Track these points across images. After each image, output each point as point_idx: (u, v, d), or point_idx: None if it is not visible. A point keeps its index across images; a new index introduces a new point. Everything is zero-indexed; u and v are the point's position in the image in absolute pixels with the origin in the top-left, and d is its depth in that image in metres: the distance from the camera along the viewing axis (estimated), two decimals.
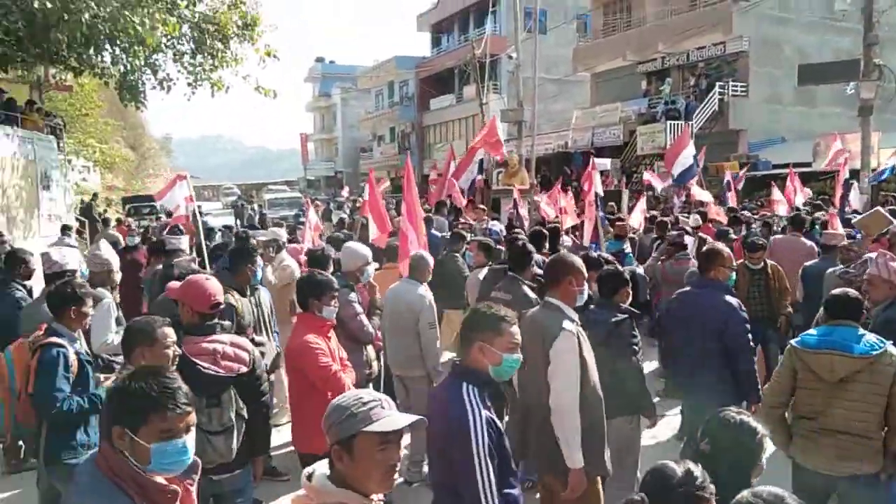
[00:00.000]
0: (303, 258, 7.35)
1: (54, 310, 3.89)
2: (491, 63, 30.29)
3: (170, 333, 3.13)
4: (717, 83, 25.62)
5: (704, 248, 5.23)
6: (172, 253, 6.79)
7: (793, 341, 3.85)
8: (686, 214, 12.83)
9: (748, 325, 4.68)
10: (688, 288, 5.14)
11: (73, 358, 3.66)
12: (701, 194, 14.20)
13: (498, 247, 7.65)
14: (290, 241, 9.30)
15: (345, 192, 33.07)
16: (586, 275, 3.89)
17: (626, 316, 4.40)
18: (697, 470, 2.11)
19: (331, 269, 5.63)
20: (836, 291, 3.94)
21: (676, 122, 24.80)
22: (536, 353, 3.55)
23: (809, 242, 8.21)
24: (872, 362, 3.49)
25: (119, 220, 19.08)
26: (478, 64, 25.27)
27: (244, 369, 3.48)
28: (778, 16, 25.35)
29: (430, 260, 5.84)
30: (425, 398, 5.40)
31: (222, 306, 3.73)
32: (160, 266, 6.70)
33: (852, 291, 3.91)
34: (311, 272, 4.57)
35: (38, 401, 3.61)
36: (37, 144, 15.33)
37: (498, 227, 10.93)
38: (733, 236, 7.92)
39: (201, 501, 3.31)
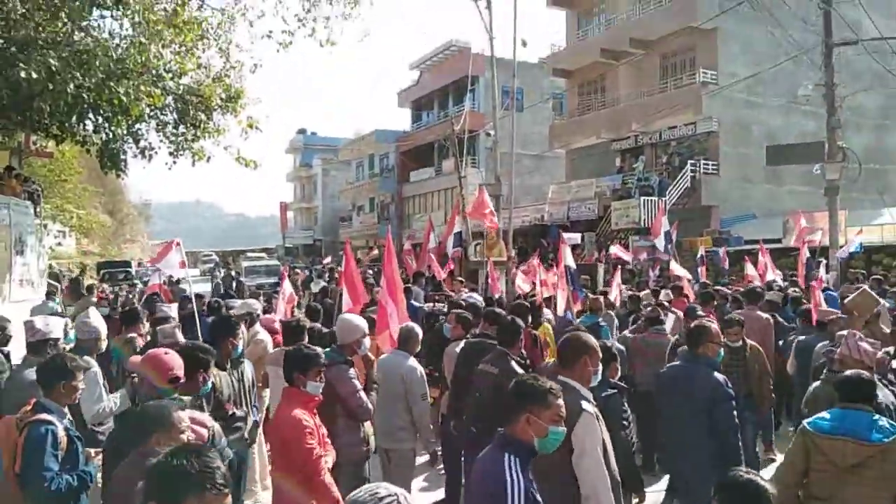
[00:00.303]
0: (277, 328, 7.30)
1: (44, 384, 3.82)
2: (469, 138, 30.97)
3: (184, 417, 3.11)
4: (689, 161, 26.39)
5: (693, 325, 5.23)
6: (162, 321, 6.67)
7: (806, 423, 3.86)
8: (659, 289, 12.98)
9: (734, 403, 4.68)
10: (676, 362, 5.17)
11: (62, 434, 3.58)
12: (678, 270, 14.42)
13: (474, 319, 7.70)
14: (265, 312, 9.25)
15: (326, 260, 33.08)
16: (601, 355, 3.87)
17: (615, 391, 4.41)
18: None
19: (305, 339, 5.58)
20: (849, 373, 3.95)
21: (650, 198, 25.38)
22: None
23: (766, 315, 8.41)
24: (884, 449, 3.52)
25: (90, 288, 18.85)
26: (456, 139, 25.80)
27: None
28: (746, 99, 26.39)
29: (420, 332, 5.88)
30: (408, 472, 5.53)
31: (181, 380, 3.68)
32: (130, 335, 6.56)
33: (865, 374, 3.93)
34: (299, 346, 4.47)
35: (26, 481, 3.49)
36: (13, 210, 15.19)
37: (475, 298, 10.95)
38: (701, 313, 7.96)
39: None
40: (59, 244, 28.35)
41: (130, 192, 57.01)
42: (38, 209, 17.85)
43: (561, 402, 2.89)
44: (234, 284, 25.36)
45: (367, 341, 5.29)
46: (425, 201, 44.94)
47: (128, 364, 4.00)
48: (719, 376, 4.73)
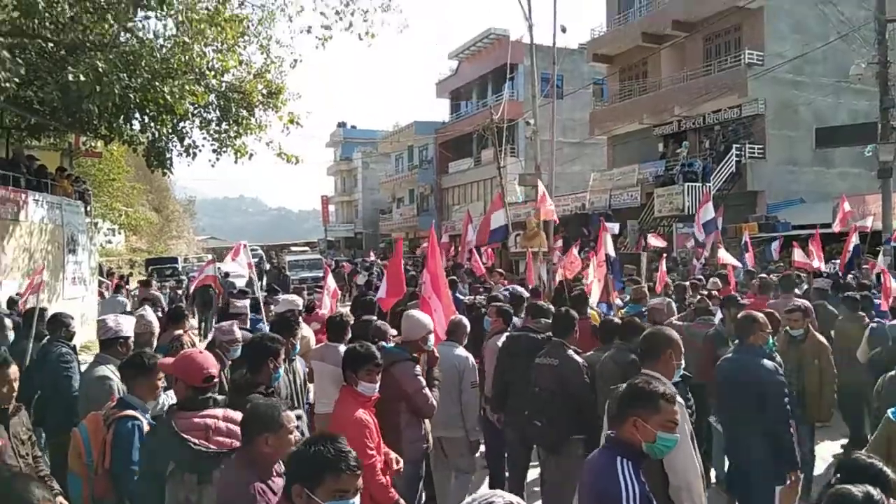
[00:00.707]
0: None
1: (128, 380, 3.91)
2: (508, 127, 30.84)
3: (293, 417, 3.10)
4: (735, 145, 25.79)
5: (739, 315, 5.19)
6: (236, 317, 6.79)
7: (890, 413, 3.84)
8: (699, 279, 12.75)
9: (786, 391, 4.64)
10: (729, 354, 5.11)
11: (146, 429, 3.65)
12: (727, 258, 14.09)
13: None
14: (309, 305, 9.34)
15: (371, 257, 33.36)
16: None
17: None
18: (876, 493, 2.17)
19: (348, 335, 5.60)
20: None
21: (694, 185, 24.91)
22: None
23: (800, 303, 8.17)
24: None
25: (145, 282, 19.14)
26: (495, 128, 25.68)
27: (237, 444, 3.27)
28: (793, 79, 25.64)
29: (468, 323, 6.00)
30: (465, 458, 5.72)
31: (216, 380, 3.63)
32: (177, 332, 6.64)
33: None
34: (355, 345, 4.35)
35: (115, 475, 3.57)
36: (65, 209, 15.70)
37: (519, 290, 10.90)
38: (744, 301, 7.71)
39: None
40: (109, 242, 29.11)
41: (176, 189, 58.16)
42: (88, 208, 18.40)
43: (675, 408, 2.79)
44: (279, 278, 25.80)
45: (431, 337, 5.26)
46: (465, 192, 44.91)
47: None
48: (769, 364, 4.69)
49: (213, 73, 12.08)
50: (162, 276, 26.35)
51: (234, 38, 11.86)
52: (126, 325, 5.06)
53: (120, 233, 30.09)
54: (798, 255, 13.14)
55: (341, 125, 69.16)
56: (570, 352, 5.23)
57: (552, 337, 5.45)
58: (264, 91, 13.11)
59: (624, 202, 28.50)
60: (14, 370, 3.76)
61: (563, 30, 21.14)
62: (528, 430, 5.36)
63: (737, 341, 5.06)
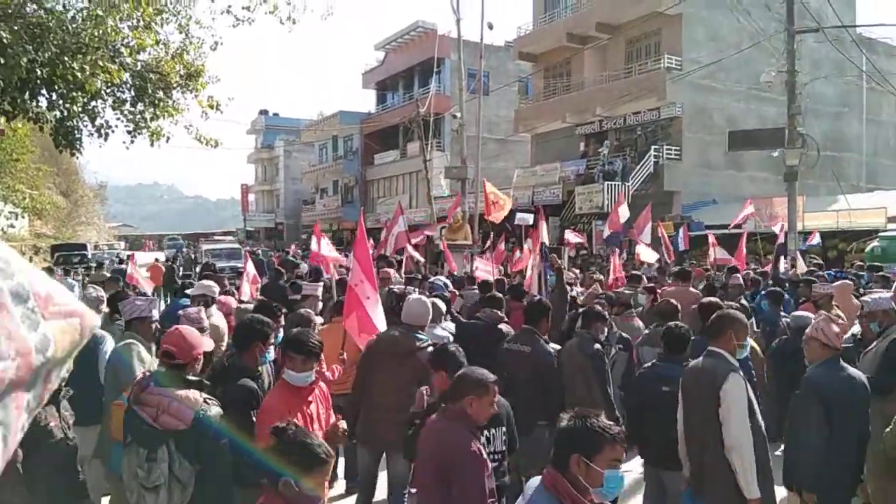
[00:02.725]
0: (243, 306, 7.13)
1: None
2: (435, 121, 30.83)
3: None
4: (653, 146, 26.65)
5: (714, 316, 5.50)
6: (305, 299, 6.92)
7: None
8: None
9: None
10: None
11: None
12: (646, 255, 14.55)
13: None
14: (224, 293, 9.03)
15: (292, 248, 32.61)
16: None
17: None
18: None
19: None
20: None
21: (613, 183, 25.59)
22: (706, 397, 3.91)
23: (695, 291, 9.13)
24: None
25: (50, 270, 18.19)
26: (422, 122, 25.64)
27: (182, 427, 3.25)
28: (708, 84, 26.70)
29: (444, 305, 6.52)
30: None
31: (198, 361, 3.63)
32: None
33: None
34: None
35: None
36: None
37: (442, 280, 10.92)
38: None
39: None
40: (12, 226, 27.44)
41: (86, 174, 55.48)
42: None
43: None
44: (195, 267, 24.94)
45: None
46: (390, 184, 44.70)
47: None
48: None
49: (128, 50, 11.51)
50: (69, 264, 25.06)
51: (151, 15, 11.33)
52: (153, 308, 5.15)
53: (23, 217, 28.36)
54: (720, 252, 13.64)
55: (263, 112, 67.57)
56: (542, 340, 5.40)
57: (524, 324, 5.61)
58: (182, 72, 12.58)
59: (546, 199, 28.97)
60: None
61: (490, 26, 21.29)
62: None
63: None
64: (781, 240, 14.86)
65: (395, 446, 4.80)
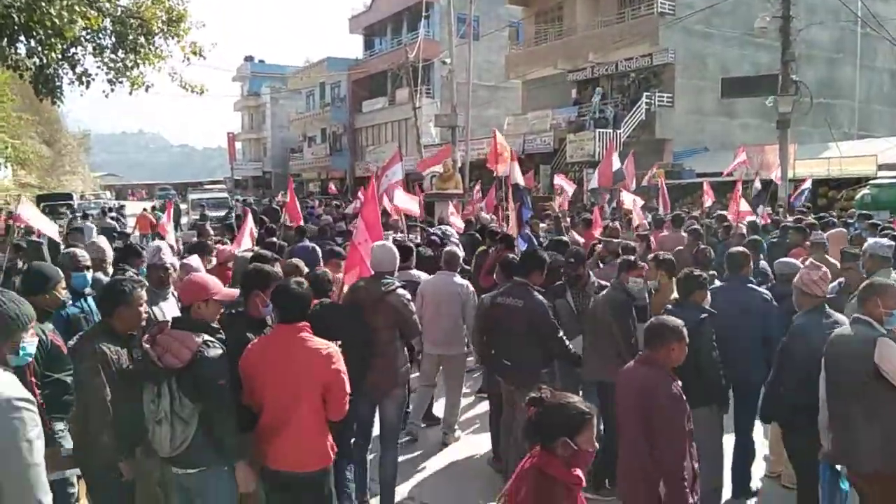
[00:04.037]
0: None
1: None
2: (424, 67, 30.28)
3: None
4: (645, 93, 26.35)
5: (731, 251, 5.82)
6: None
7: None
8: (615, 221, 13.10)
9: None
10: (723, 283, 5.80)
11: None
12: (629, 202, 14.48)
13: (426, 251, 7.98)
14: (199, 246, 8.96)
15: (279, 196, 32.35)
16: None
17: (706, 315, 4.65)
18: None
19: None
20: None
21: (605, 131, 25.37)
22: (856, 366, 3.82)
23: (684, 234, 9.67)
24: None
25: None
26: (411, 68, 25.16)
27: (178, 365, 3.40)
28: (702, 30, 26.29)
29: (459, 253, 6.78)
30: (461, 373, 6.74)
31: (206, 305, 3.69)
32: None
33: None
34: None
35: None
36: None
37: (450, 230, 10.91)
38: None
39: (170, 490, 3.67)
40: None
41: (69, 122, 54.47)
42: None
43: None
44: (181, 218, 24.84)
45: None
46: (379, 132, 44.17)
47: None
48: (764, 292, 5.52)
49: None
50: (56, 214, 24.77)
51: None
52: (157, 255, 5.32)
53: (6, 167, 27.90)
54: (743, 205, 13.08)
55: (249, 59, 66.13)
56: (535, 293, 5.29)
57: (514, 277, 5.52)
58: (164, 17, 12.22)
59: (537, 147, 28.75)
60: (143, 294, 3.88)
61: None
62: (496, 368, 5.57)
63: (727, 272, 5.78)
64: (759, 186, 14.75)
65: (385, 393, 4.91)
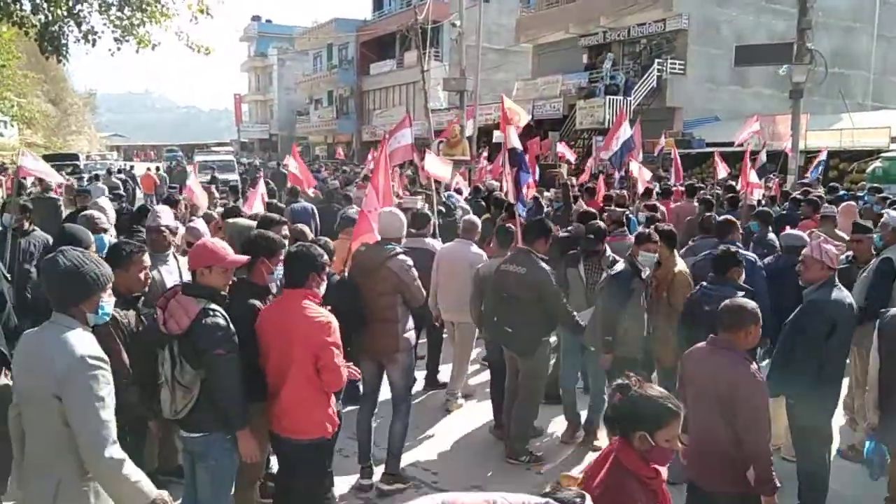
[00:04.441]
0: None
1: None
2: (433, 29, 29.82)
3: None
4: (657, 60, 25.96)
5: (720, 219, 6.38)
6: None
7: None
8: (624, 191, 13.00)
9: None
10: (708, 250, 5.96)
11: None
12: (637, 171, 14.34)
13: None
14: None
15: (286, 159, 32.07)
16: None
17: (743, 292, 4.55)
18: None
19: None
20: None
21: (616, 98, 25.06)
22: None
23: (694, 204, 9.91)
24: None
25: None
26: (420, 30, 24.80)
27: (177, 331, 3.43)
28: None
29: (478, 222, 6.82)
30: (471, 339, 6.67)
31: (210, 272, 3.62)
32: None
33: None
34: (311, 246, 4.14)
35: None
36: None
37: (456, 197, 10.87)
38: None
39: (183, 453, 3.78)
40: (1, 135, 26.94)
41: (75, 82, 54.19)
42: None
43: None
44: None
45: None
46: (386, 96, 43.78)
47: None
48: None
49: None
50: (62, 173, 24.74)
51: None
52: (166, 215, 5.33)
53: (12, 125, 27.80)
54: (753, 176, 12.78)
55: (256, 19, 65.41)
56: (538, 260, 5.30)
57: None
58: None
59: (546, 113, 28.45)
60: (144, 258, 3.91)
61: None
62: (498, 335, 5.59)
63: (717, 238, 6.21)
64: (763, 159, 14.62)
65: (390, 357, 4.90)
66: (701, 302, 4.76)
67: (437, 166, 10.66)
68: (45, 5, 11.67)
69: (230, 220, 6.84)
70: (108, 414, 2.55)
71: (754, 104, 25.06)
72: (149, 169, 26.44)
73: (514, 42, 34.34)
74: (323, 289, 3.89)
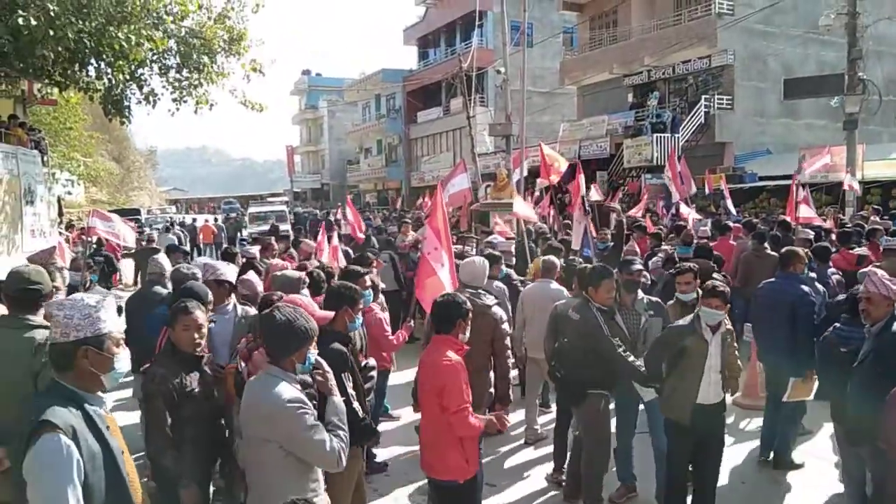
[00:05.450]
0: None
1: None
2: (478, 76, 30.32)
3: None
4: (703, 96, 25.80)
5: (783, 250, 6.49)
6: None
7: None
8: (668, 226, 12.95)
9: (815, 309, 5.84)
10: (772, 279, 6.35)
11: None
12: (686, 211, 14.21)
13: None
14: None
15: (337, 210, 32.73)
16: None
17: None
18: None
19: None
20: None
21: (663, 135, 24.94)
22: None
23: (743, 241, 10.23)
24: None
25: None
26: (464, 77, 25.24)
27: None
28: (763, 30, 25.59)
29: (557, 263, 6.97)
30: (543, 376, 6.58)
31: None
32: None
33: None
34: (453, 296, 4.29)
35: None
36: (21, 159, 15.09)
37: (498, 239, 10.97)
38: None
39: None
40: (69, 193, 28.22)
41: (136, 139, 56.65)
42: (45, 158, 17.73)
43: None
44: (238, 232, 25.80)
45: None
46: (433, 142, 44.44)
47: None
48: (805, 287, 5.94)
49: (171, 17, 11.59)
50: None
51: None
52: (229, 271, 5.39)
53: (79, 184, 29.16)
54: (805, 210, 12.37)
55: (306, 73, 67.58)
56: (591, 307, 5.05)
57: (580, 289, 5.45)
58: (226, 37, 12.63)
59: (593, 153, 28.46)
60: (202, 314, 3.84)
61: None
62: (553, 379, 5.60)
63: (780, 269, 6.31)
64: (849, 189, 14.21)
65: (478, 403, 4.79)
66: (837, 343, 4.65)
67: (524, 208, 10.91)
68: (108, 70, 12.34)
69: (278, 272, 6.98)
70: (320, 433, 2.92)
71: (807, 136, 24.61)
72: (207, 220, 27.63)
73: (559, 84, 34.63)
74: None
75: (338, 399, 3.21)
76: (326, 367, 3.30)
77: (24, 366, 3.42)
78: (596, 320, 4.96)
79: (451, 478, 3.80)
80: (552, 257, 7.14)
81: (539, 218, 14.78)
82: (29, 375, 3.42)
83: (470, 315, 4.02)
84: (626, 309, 5.34)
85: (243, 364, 3.62)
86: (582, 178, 10.68)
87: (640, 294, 5.51)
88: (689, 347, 4.65)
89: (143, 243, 18.29)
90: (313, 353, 3.08)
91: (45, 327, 3.49)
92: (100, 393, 2.46)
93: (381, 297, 6.37)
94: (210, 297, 4.44)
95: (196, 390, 3.64)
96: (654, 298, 5.58)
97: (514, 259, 9.40)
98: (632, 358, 4.92)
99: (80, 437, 2.25)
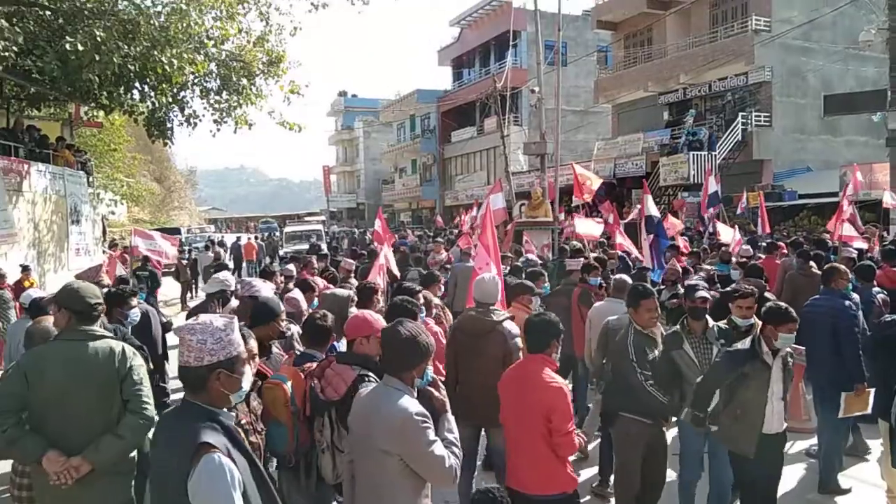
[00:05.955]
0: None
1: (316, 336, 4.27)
2: (512, 96, 30.47)
3: None
4: (741, 113, 25.52)
5: (826, 267, 6.54)
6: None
7: None
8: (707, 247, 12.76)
9: (857, 322, 5.93)
10: (816, 296, 6.42)
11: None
12: (722, 230, 13.98)
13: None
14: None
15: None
16: None
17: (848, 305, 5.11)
18: None
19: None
20: None
21: (700, 153, 24.70)
22: None
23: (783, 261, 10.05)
24: None
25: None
26: (499, 97, 25.39)
27: (335, 398, 3.60)
28: (801, 45, 25.27)
29: (628, 281, 6.63)
30: None
31: (367, 341, 3.81)
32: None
33: None
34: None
35: None
36: (67, 180, 15.61)
37: (532, 256, 11.01)
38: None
39: None
40: (112, 213, 29.00)
41: (177, 160, 57.92)
42: (90, 178, 18.30)
43: None
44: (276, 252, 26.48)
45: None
46: (468, 162, 44.62)
47: None
48: (847, 303, 5.97)
49: (212, 41, 11.93)
50: None
51: (233, 4, 11.68)
52: (265, 287, 5.30)
53: (122, 203, 29.95)
54: (847, 228, 12.01)
55: (342, 94, 68.51)
56: (630, 329, 4.87)
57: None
58: (265, 59, 12.95)
59: (629, 171, 28.28)
60: (254, 344, 3.76)
61: None
62: (599, 392, 5.71)
63: (822, 286, 6.38)
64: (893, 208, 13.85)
65: (492, 422, 4.73)
66: None
67: (587, 227, 10.95)
68: (151, 94, 12.72)
69: (328, 291, 7.02)
70: (441, 449, 2.96)
71: (848, 153, 24.16)
72: (250, 239, 28.57)
73: (594, 103, 34.59)
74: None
75: (451, 416, 3.25)
76: (441, 384, 3.36)
77: (105, 374, 3.53)
78: (625, 341, 4.83)
79: (561, 490, 3.83)
80: (624, 276, 6.95)
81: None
82: (113, 383, 3.54)
83: (562, 336, 4.01)
84: (696, 337, 5.04)
85: (315, 381, 3.64)
86: (649, 199, 10.72)
87: (711, 322, 5.19)
88: (750, 373, 4.37)
89: (185, 262, 18.74)
90: (430, 369, 3.16)
91: (106, 336, 3.67)
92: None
93: (434, 312, 6.45)
94: (282, 308, 4.47)
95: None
96: (723, 326, 5.17)
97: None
98: (651, 382, 4.69)
99: (232, 453, 2.39)
